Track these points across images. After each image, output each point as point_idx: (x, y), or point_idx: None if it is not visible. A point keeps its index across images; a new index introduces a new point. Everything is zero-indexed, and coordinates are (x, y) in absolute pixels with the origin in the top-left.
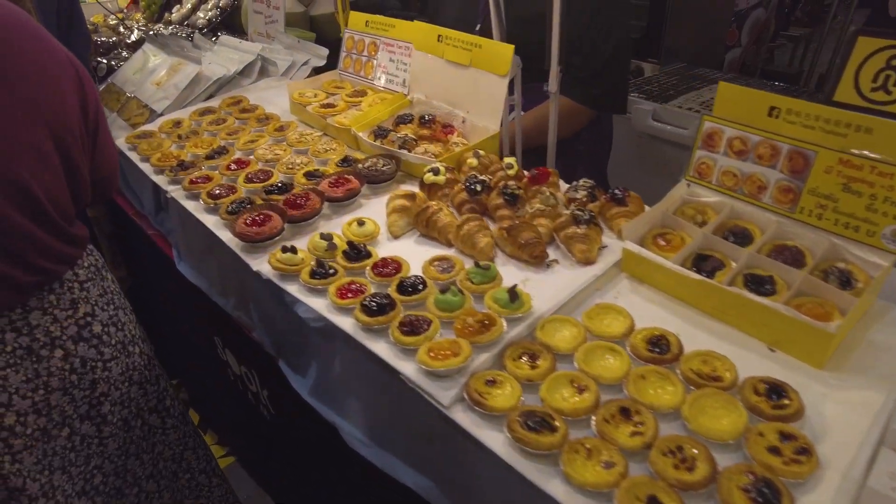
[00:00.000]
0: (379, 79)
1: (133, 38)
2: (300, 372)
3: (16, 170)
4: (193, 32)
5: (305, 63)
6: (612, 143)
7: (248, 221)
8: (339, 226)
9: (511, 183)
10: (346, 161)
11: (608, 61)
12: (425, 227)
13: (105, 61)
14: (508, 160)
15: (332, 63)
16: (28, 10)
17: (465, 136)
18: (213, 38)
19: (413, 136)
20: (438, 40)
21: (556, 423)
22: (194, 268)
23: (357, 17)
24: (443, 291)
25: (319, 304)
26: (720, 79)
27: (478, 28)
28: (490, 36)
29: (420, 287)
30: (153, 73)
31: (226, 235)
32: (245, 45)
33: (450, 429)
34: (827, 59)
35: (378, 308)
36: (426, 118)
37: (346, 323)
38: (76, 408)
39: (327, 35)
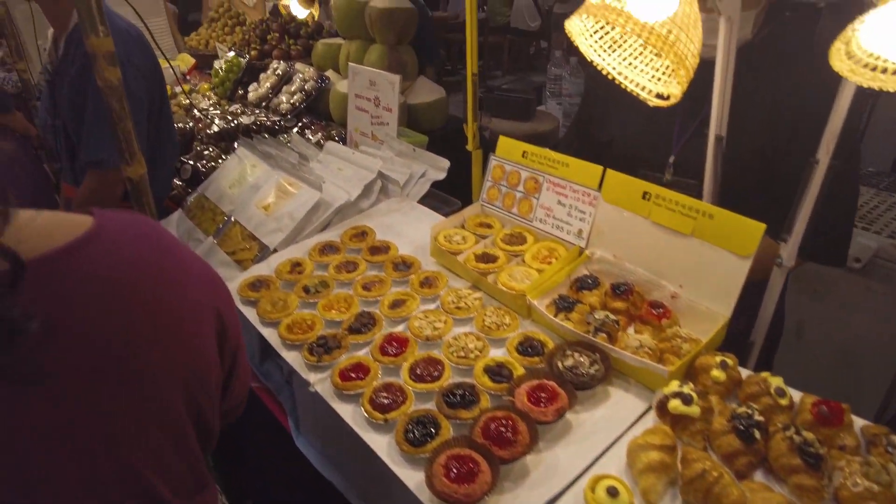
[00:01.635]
0: (542, 222)
1: (215, 128)
2: None
3: (133, 460)
4: (279, 120)
5: (423, 175)
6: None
7: (447, 471)
8: (553, 463)
9: (809, 435)
10: (531, 347)
11: (840, 212)
12: (703, 499)
13: (191, 163)
14: (775, 382)
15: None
16: (128, 129)
17: (679, 315)
18: (297, 125)
19: (614, 318)
20: (644, 197)
21: None
22: (322, 454)
23: (510, 145)
24: None
25: None
26: None
27: (671, 161)
28: (685, 169)
29: None
30: (256, 191)
31: (412, 477)
32: (359, 158)
33: None
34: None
35: None
36: (622, 288)
37: None
38: None
39: (425, 127)
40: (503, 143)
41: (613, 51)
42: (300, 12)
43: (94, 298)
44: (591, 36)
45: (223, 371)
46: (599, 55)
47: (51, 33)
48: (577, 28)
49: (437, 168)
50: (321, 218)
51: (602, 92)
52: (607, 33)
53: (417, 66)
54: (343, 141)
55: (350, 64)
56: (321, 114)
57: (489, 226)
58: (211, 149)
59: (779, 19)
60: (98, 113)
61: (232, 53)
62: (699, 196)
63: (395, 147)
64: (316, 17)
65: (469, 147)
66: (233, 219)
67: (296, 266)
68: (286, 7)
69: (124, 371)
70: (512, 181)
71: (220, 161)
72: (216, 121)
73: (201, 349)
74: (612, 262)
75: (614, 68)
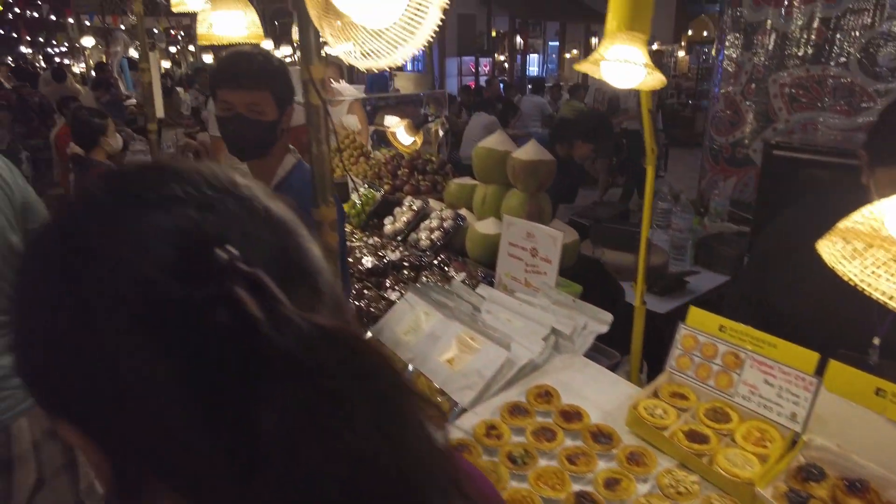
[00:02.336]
0: (746, 399)
1: (367, 264)
2: None
3: None
4: (422, 256)
5: (584, 328)
6: None
7: None
8: None
9: None
10: None
11: None
12: None
13: (355, 303)
14: None
15: None
16: (339, 290)
17: None
18: (437, 259)
19: None
20: (877, 394)
21: None
22: None
23: (702, 317)
24: None
25: None
26: None
27: (877, 343)
28: (893, 351)
29: None
30: (435, 341)
31: None
32: (527, 310)
33: None
34: None
35: None
36: (859, 484)
37: None
38: None
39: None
40: (695, 313)
41: (854, 259)
42: (405, 139)
43: None
44: (834, 245)
45: None
46: (841, 263)
47: None
48: (827, 245)
49: (599, 321)
50: (506, 376)
51: (782, 259)
52: (849, 243)
53: (552, 211)
54: (488, 282)
55: (505, 216)
56: (455, 249)
57: (684, 396)
58: (368, 287)
59: None
60: None
61: (366, 186)
62: None
63: (552, 296)
64: (419, 144)
65: (636, 303)
66: (412, 368)
67: (491, 429)
68: (393, 134)
69: None
70: (707, 353)
71: (381, 302)
72: (365, 256)
73: None
74: (835, 452)
75: (856, 275)
